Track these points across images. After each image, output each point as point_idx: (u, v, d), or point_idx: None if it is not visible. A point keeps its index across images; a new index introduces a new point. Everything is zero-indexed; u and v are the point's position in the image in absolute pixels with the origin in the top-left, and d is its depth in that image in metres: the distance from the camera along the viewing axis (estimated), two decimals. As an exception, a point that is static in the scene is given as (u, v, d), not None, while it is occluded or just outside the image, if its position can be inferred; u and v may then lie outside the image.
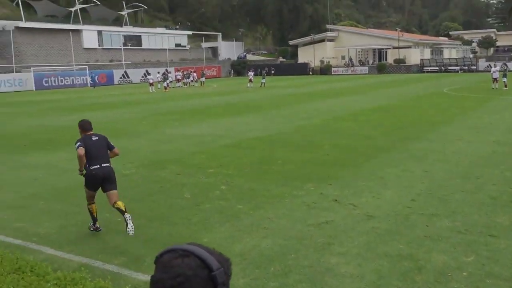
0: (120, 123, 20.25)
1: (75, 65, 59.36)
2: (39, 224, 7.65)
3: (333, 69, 71.80)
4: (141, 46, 72.46)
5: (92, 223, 7.16)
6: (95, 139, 6.98)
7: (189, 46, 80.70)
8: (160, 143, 14.96)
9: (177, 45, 78.13)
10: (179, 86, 50.54)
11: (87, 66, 59.07)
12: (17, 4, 61.37)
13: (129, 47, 69.95)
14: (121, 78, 62.39)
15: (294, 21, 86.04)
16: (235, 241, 6.55)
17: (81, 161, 6.79)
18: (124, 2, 76.41)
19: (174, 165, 11.57)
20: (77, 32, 63.56)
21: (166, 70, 58.55)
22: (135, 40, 72.16)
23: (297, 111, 22.76)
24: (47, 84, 53.56)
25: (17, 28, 57.20)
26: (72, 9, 66.40)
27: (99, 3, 72.01)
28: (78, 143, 6.86)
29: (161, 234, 6.94)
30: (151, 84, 43.76)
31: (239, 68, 79.05)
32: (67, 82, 55.81)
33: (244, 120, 20.08)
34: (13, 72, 53.61)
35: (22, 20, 58.62)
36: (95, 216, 7.11)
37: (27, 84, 51.78)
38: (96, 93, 43.74)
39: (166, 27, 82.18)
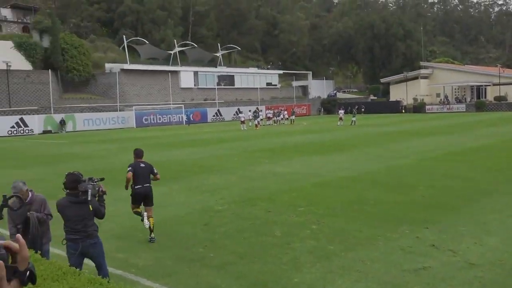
0: (213, 160, 20.88)
1: (172, 103, 62.66)
2: (137, 255, 8.02)
3: (427, 107, 69.31)
4: (233, 85, 75.02)
5: (141, 218, 9.07)
6: (142, 166, 9.13)
7: (279, 85, 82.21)
8: (251, 180, 15.17)
9: (268, 84, 79.93)
10: (269, 124, 51.39)
11: (183, 105, 62.13)
12: (123, 48, 66.63)
13: (223, 87, 72.71)
14: (214, 116, 64.77)
15: (386, 59, 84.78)
16: (326, 283, 6.40)
17: (127, 181, 9.02)
18: (219, 45, 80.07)
19: (264, 203, 11.66)
20: (175, 73, 67.38)
21: (257, 108, 59.94)
22: (228, 79, 74.90)
23: (389, 150, 22.11)
24: (147, 122, 56.91)
25: (122, 70, 61.89)
26: (172, 52, 70.71)
27: (196, 46, 76.07)
28: (129, 168, 9.05)
29: (252, 272, 6.96)
30: (242, 122, 44.89)
31: (329, 106, 78.91)
32: (164, 120, 58.93)
33: (334, 159, 19.86)
34: (117, 110, 57.71)
35: (127, 63, 63.45)
36: (142, 212, 9.10)
37: (128, 122, 55.41)
38: (190, 130, 45.69)
39: (258, 66, 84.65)
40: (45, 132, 48.12)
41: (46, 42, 59.67)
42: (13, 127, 46.86)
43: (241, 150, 24.44)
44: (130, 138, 37.40)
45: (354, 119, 45.30)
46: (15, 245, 1.22)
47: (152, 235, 8.87)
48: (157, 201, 12.25)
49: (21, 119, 47.84)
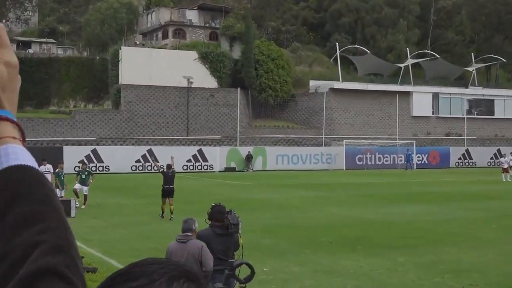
0: (457, 224, 20.13)
1: (399, 138, 62.29)
2: None
3: None
4: (493, 114, 71.88)
5: (161, 214, 21.14)
6: (170, 174, 21.88)
7: None
8: (518, 260, 14.08)
9: (551, 115, 74.64)
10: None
11: (414, 141, 61.38)
12: (335, 60, 68.93)
13: (475, 116, 70.15)
14: (460, 158, 62.56)
15: None
16: None
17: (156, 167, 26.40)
18: (472, 55, 77.70)
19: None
20: (405, 95, 67.28)
21: (529, 150, 56.20)
22: (485, 106, 72.11)
23: None
24: (361, 163, 57.67)
25: (332, 89, 64.09)
26: (402, 65, 70.83)
27: (438, 56, 75.00)
28: (161, 170, 22.97)
29: None
30: (505, 170, 42.55)
31: None
32: (386, 161, 58.97)
33: None
34: (321, 145, 59.65)
35: (338, 80, 65.44)
36: (163, 211, 21.17)
37: (336, 161, 56.78)
38: (420, 177, 44.72)
39: (535, 88, 79.67)
40: (227, 169, 52.07)
41: (236, 52, 65.14)
42: (189, 160, 51.68)
43: (503, 213, 23.13)
44: (337, 184, 38.19)
45: None
46: None
47: (172, 216, 20.37)
48: (375, 279, 12.10)
49: (200, 151, 52.53)
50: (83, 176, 25.03)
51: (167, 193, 21.20)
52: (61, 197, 23.08)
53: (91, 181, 25.25)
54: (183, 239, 7.97)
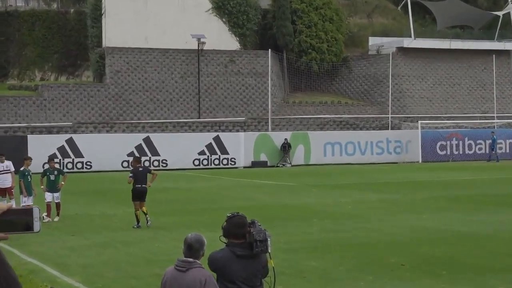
0: None
1: (497, 117, 61.43)
2: None
3: None
4: None
5: (136, 223, 22.97)
6: (141, 169, 24.47)
7: None
8: None
9: None
10: None
11: (517, 119, 60.75)
12: (405, 8, 68.06)
13: None
14: None
15: None
16: None
17: (129, 182, 23.93)
18: None
19: None
20: (505, 54, 66.47)
21: None
22: None
23: None
24: (443, 152, 57.27)
25: (400, 49, 63.56)
26: (500, 13, 69.74)
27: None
28: (130, 174, 24.01)
29: None
30: None
31: None
32: (479, 149, 58.29)
33: None
34: (387, 128, 59.23)
35: (410, 36, 64.70)
36: (138, 218, 22.91)
37: (408, 150, 56.54)
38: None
39: None
40: (255, 164, 52.03)
41: (265, 1, 64.59)
42: (202, 152, 51.51)
43: None
44: (410, 182, 38.04)
45: None
46: None
47: (148, 217, 22.80)
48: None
49: (217, 140, 52.25)
50: (52, 177, 24.73)
51: (139, 194, 23.01)
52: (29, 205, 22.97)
53: (62, 183, 24.92)
54: (182, 266, 7.63)
